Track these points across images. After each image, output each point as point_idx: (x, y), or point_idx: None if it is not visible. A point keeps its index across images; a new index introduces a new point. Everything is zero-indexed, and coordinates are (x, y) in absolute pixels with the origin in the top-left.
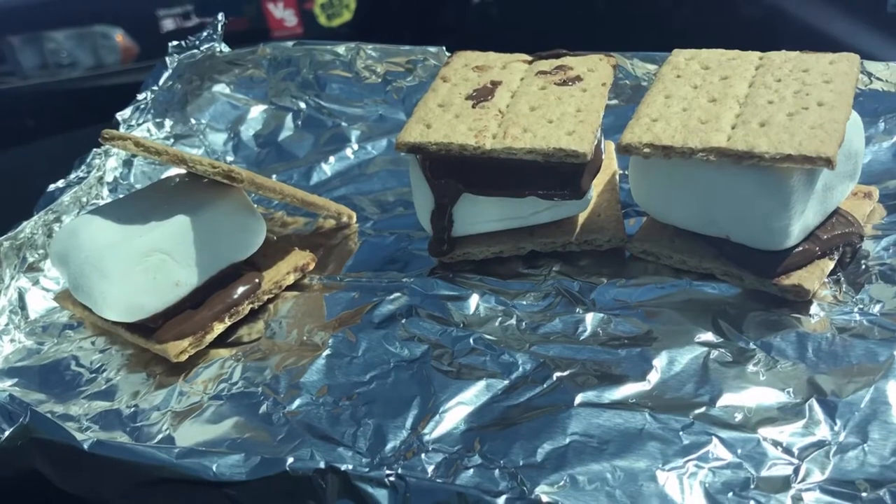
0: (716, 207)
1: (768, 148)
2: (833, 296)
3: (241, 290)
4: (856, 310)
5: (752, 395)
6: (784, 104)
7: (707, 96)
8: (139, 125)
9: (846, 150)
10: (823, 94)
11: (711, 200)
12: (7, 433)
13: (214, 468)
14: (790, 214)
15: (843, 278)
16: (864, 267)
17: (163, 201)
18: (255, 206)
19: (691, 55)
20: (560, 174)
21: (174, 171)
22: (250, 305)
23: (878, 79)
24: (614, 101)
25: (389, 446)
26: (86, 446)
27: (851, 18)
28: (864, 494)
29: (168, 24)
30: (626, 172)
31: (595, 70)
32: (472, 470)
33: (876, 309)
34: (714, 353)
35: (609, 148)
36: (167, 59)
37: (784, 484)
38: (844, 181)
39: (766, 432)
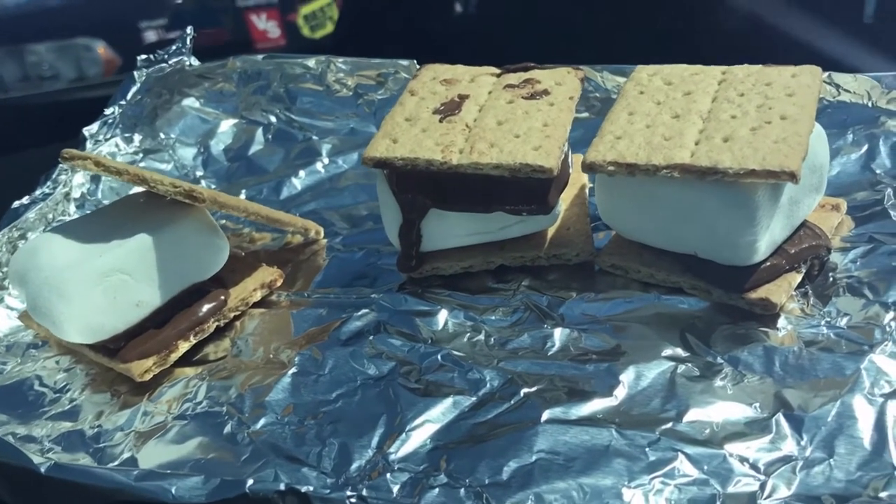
0: (682, 224)
1: (732, 163)
2: (801, 309)
3: (206, 307)
4: (823, 323)
5: (719, 409)
6: (747, 119)
7: (670, 112)
8: (107, 140)
9: (811, 163)
10: (786, 108)
11: (677, 217)
12: None
13: (174, 490)
14: (756, 230)
15: (810, 291)
16: (831, 280)
17: (124, 220)
18: (223, 222)
19: (654, 71)
20: (527, 189)
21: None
22: (216, 323)
23: (846, 90)
24: (584, 114)
25: (355, 466)
26: (42, 470)
27: (828, 29)
28: None
29: (150, 37)
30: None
31: (563, 83)
32: (437, 489)
33: (843, 322)
34: (681, 368)
35: (577, 161)
36: (135, 73)
37: (750, 500)
38: (810, 194)
39: (732, 448)
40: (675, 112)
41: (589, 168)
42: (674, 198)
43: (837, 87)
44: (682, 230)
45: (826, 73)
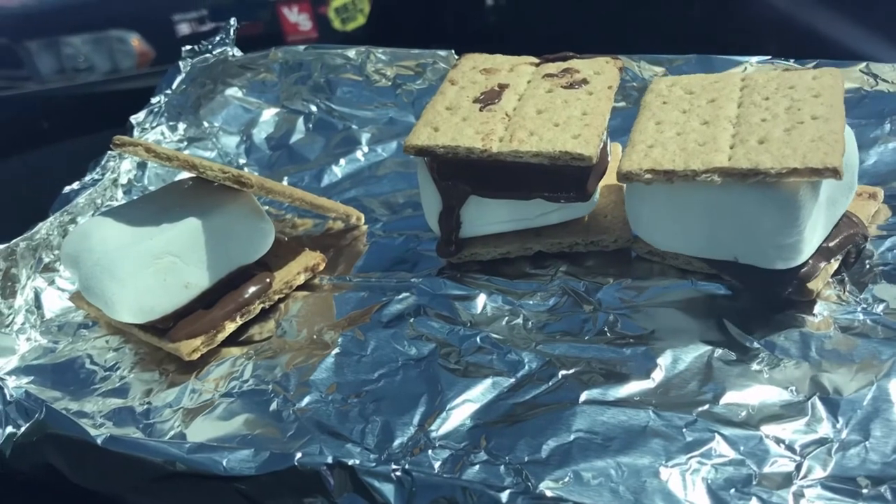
0: (721, 230)
1: (773, 163)
2: (837, 295)
3: (252, 289)
4: (859, 309)
5: (756, 393)
6: (778, 121)
7: (699, 119)
8: (153, 128)
9: (846, 161)
10: (815, 108)
11: (716, 223)
12: (23, 429)
13: (225, 463)
14: (800, 229)
15: (847, 278)
16: (868, 267)
17: (174, 204)
18: (266, 208)
19: (672, 81)
20: (566, 177)
21: (186, 173)
22: (261, 305)
23: (884, 80)
24: (622, 104)
25: (397, 443)
26: (99, 441)
27: (864, 22)
28: (864, 491)
29: (183, 29)
30: None
31: (601, 73)
32: (477, 466)
33: (879, 308)
34: (718, 352)
35: (615, 150)
36: (180, 63)
37: (786, 480)
38: (846, 193)
39: (768, 429)
40: (704, 119)
41: (625, 178)
42: (712, 203)
43: (875, 77)
44: (722, 236)
45: (864, 63)
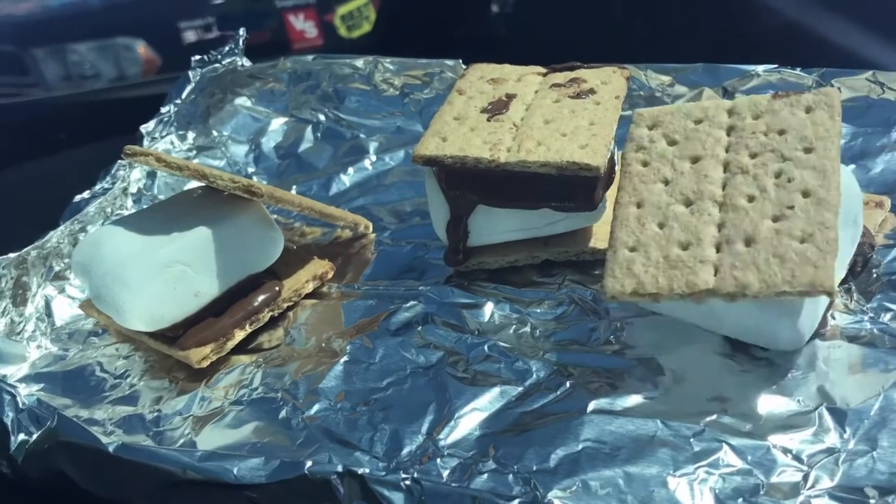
0: (721, 317)
1: (760, 286)
2: (844, 305)
3: (261, 297)
4: (866, 319)
5: (763, 402)
6: (767, 204)
7: (681, 197)
8: (163, 137)
9: (846, 208)
10: (806, 177)
11: (713, 314)
12: (35, 436)
13: (235, 471)
14: (801, 322)
15: (854, 287)
16: (874, 276)
17: (184, 213)
18: (275, 216)
19: (653, 122)
20: (574, 186)
21: (196, 182)
22: (270, 313)
23: (890, 88)
24: (629, 112)
25: (405, 451)
26: (111, 449)
27: (870, 30)
28: (872, 501)
29: (190, 36)
30: None
31: (609, 83)
32: (486, 475)
33: (886, 318)
34: (725, 362)
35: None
36: (190, 72)
37: (793, 490)
38: (848, 229)
39: (775, 439)
40: (687, 197)
41: (612, 300)
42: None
43: (882, 85)
44: (722, 321)
45: (870, 72)
